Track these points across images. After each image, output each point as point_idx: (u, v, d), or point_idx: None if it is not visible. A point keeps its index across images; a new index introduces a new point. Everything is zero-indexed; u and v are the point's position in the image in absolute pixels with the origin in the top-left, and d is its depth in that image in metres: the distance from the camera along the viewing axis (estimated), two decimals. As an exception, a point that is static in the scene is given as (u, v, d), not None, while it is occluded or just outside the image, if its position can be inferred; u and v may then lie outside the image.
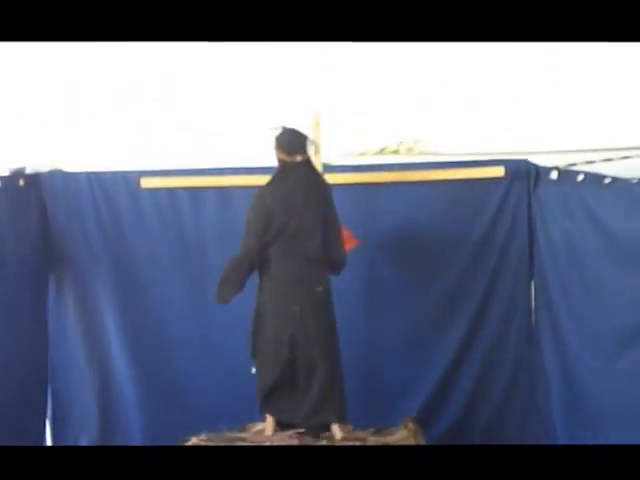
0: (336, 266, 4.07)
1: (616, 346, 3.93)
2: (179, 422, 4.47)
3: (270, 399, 4.05)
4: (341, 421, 4.00)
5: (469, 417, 4.53)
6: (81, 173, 4.71)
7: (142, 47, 4.51)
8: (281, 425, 4.04)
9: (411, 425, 4.08)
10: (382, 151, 4.48)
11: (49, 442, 4.75)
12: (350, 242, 4.19)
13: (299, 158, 4.02)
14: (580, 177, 4.25)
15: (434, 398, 4.52)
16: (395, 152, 4.47)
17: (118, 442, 4.63)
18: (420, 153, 4.48)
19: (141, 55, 4.55)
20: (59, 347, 4.76)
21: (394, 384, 4.53)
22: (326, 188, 4.08)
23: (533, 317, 4.48)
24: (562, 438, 4.25)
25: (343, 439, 3.92)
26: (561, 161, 4.36)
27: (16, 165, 4.60)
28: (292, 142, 4.03)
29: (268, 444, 3.90)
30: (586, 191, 4.19)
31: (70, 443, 4.71)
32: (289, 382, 4.02)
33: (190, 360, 4.66)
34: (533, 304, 4.47)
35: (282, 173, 4.06)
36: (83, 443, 4.70)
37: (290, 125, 4.06)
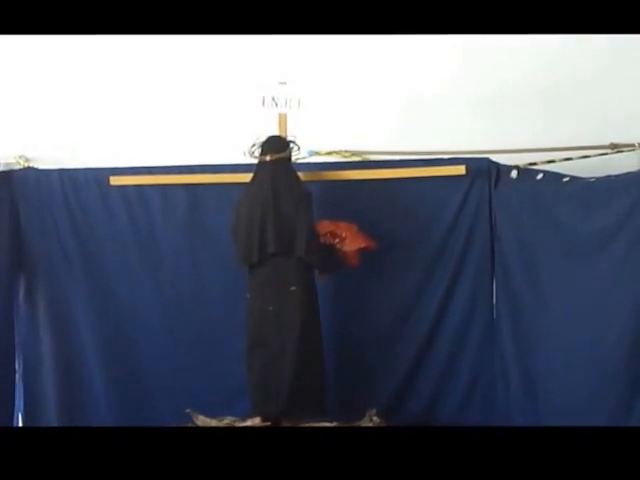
0: (314, 265, 4.18)
1: (576, 343, 4.00)
2: (148, 414, 4.54)
3: (253, 399, 4.14)
4: (315, 418, 4.08)
5: (432, 412, 4.57)
6: (53, 170, 4.73)
7: (113, 44, 4.55)
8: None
9: (376, 418, 4.12)
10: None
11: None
12: (363, 243, 4.25)
13: (267, 157, 4.18)
14: (539, 176, 4.34)
15: (398, 393, 4.57)
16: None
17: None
18: (382, 152, 4.57)
19: (111, 53, 4.59)
20: (30, 343, 4.77)
21: (358, 379, 4.57)
22: (298, 187, 4.18)
23: (494, 314, 4.53)
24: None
25: None
26: (521, 160, 4.45)
27: (-12, 163, 4.67)
28: (265, 144, 4.23)
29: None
30: (545, 189, 4.27)
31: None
32: (267, 382, 4.10)
33: (160, 354, 4.69)
34: (494, 301, 4.52)
35: (255, 173, 4.23)
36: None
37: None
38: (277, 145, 4.24)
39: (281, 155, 4.20)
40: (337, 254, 4.25)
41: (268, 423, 4.06)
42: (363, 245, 4.25)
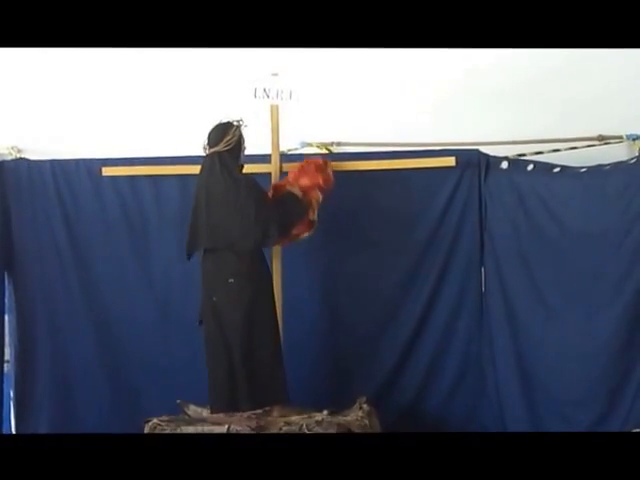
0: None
1: (568, 333, 4.07)
2: (140, 405, 4.57)
3: (210, 394, 4.13)
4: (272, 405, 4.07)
5: (422, 400, 4.62)
6: (45, 161, 4.75)
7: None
8: None
9: (366, 406, 4.14)
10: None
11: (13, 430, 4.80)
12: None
13: (207, 151, 4.15)
14: (530, 167, 4.40)
15: (388, 381, 4.61)
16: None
17: (79, 430, 4.66)
18: (373, 144, 4.60)
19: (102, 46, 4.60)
20: (20, 334, 4.78)
21: (349, 366, 4.62)
22: (235, 180, 4.09)
23: (483, 303, 4.56)
24: (509, 424, 4.38)
25: (287, 422, 3.96)
26: (509, 152, 4.49)
27: (-21, 154, 4.68)
28: (208, 136, 4.17)
29: (227, 426, 3.98)
30: (536, 180, 4.33)
31: (31, 431, 4.73)
32: (215, 374, 4.11)
33: (153, 347, 4.73)
34: (483, 290, 4.55)
35: (201, 167, 4.20)
36: (44, 430, 4.74)
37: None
38: (214, 137, 4.15)
39: (215, 149, 4.12)
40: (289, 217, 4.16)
41: (260, 411, 4.07)
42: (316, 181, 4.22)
